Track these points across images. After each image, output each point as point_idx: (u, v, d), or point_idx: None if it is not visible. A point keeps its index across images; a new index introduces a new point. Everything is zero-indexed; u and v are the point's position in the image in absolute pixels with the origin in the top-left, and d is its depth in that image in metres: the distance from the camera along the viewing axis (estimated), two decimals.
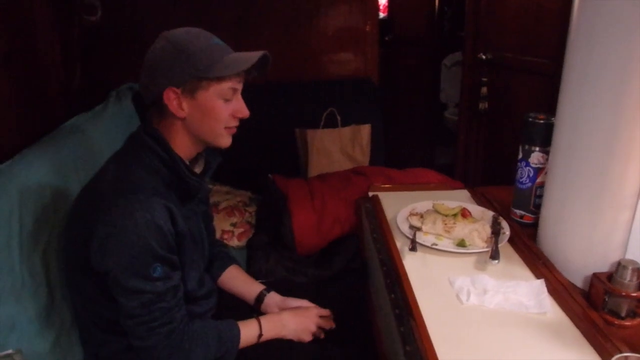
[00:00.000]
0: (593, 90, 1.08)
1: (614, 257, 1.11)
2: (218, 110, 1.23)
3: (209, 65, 1.19)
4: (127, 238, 1.11)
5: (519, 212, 1.48)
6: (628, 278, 1.02)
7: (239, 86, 1.26)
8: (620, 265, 1.03)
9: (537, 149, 1.39)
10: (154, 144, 1.22)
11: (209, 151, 1.38)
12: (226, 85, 1.22)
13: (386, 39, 4.23)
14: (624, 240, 1.10)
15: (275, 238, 2.17)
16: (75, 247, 1.21)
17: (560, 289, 1.15)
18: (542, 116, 1.38)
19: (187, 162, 1.30)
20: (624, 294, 1.02)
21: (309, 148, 2.75)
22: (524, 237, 1.38)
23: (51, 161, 1.49)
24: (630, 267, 1.02)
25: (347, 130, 2.79)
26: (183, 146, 1.27)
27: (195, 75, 1.19)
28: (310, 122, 2.82)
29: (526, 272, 1.27)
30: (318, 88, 2.91)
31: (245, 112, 1.28)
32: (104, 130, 1.87)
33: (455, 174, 3.17)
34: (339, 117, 2.82)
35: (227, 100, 1.24)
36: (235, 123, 1.28)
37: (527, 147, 1.42)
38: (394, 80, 4.11)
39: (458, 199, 1.63)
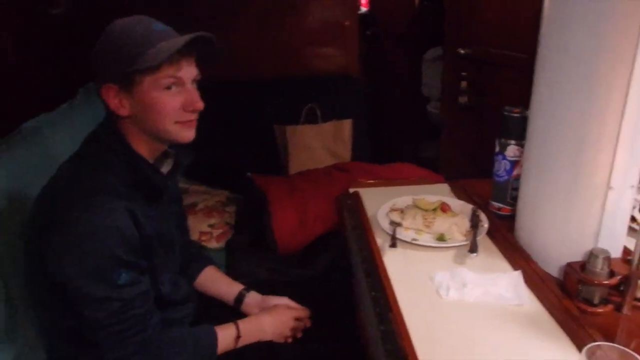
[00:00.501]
0: (564, 83, 1.11)
1: (587, 246, 1.13)
2: (161, 104, 1.13)
3: (138, 56, 1.09)
4: (87, 244, 1.05)
5: (497, 204, 1.50)
6: (599, 267, 1.04)
7: (183, 74, 1.15)
8: (591, 255, 1.06)
9: (513, 142, 1.42)
10: (114, 143, 1.16)
11: (179, 148, 1.30)
12: (162, 75, 1.11)
13: (368, 33, 4.25)
14: (596, 230, 1.12)
15: (256, 238, 2.14)
16: (35, 257, 1.14)
17: (536, 279, 1.18)
18: (517, 110, 1.41)
19: (152, 161, 1.23)
20: (596, 282, 1.05)
21: (288, 144, 2.72)
22: (502, 229, 1.40)
23: (8, 165, 1.38)
24: (601, 256, 1.04)
25: (328, 126, 2.78)
26: (142, 145, 1.19)
27: (126, 68, 1.10)
28: (290, 118, 2.80)
29: (504, 264, 1.28)
30: (297, 84, 2.88)
31: (197, 104, 1.17)
32: (70, 130, 1.70)
33: (439, 168, 3.19)
34: (319, 113, 2.80)
35: (169, 90, 1.14)
36: (189, 117, 1.18)
37: (503, 140, 1.44)
38: (376, 74, 4.12)
39: (439, 193, 1.64)
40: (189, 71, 1.17)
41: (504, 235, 1.37)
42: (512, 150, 1.43)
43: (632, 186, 1.11)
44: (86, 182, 1.12)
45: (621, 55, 1.01)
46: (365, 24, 4.24)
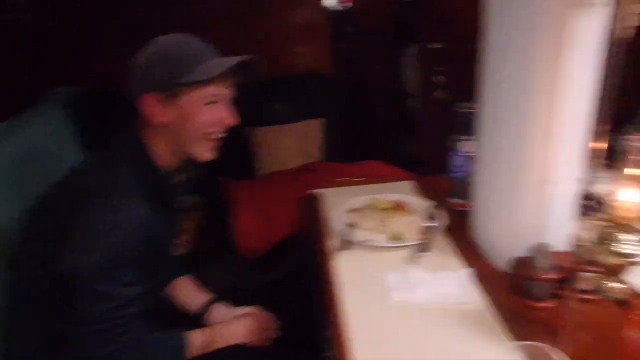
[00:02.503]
0: (502, 79, 1.10)
1: (535, 241, 1.11)
2: (199, 116, 1.19)
3: (190, 71, 1.15)
4: (106, 239, 1.08)
5: (457, 201, 1.49)
6: (542, 262, 1.03)
7: (225, 92, 1.21)
8: (534, 250, 1.04)
9: (466, 138, 1.40)
10: (134, 150, 1.20)
11: (193, 163, 1.33)
12: (209, 91, 1.17)
13: (349, 30, 4.21)
14: (540, 224, 1.11)
15: (222, 243, 2.12)
16: (39, 248, 1.17)
17: (488, 276, 1.16)
18: (470, 105, 1.39)
19: (166, 172, 1.26)
20: (539, 277, 1.03)
21: (259, 146, 2.69)
22: (461, 226, 1.38)
23: None
24: (543, 251, 1.03)
25: (300, 126, 2.74)
26: (163, 155, 1.23)
27: (176, 81, 1.15)
28: (261, 119, 2.74)
29: (458, 262, 1.26)
30: (268, 84, 2.78)
31: (230, 120, 1.23)
32: (31, 137, 1.68)
33: (419, 165, 3.17)
34: (290, 113, 2.76)
35: (210, 106, 1.19)
36: (217, 131, 1.23)
37: (458, 136, 1.42)
38: (356, 71, 4.08)
39: (402, 191, 1.62)
40: (231, 90, 1.23)
41: (461, 232, 1.35)
42: (467, 146, 1.41)
43: (577, 179, 1.09)
44: (114, 182, 1.15)
45: (547, 49, 1.00)
46: (347, 20, 4.20)
